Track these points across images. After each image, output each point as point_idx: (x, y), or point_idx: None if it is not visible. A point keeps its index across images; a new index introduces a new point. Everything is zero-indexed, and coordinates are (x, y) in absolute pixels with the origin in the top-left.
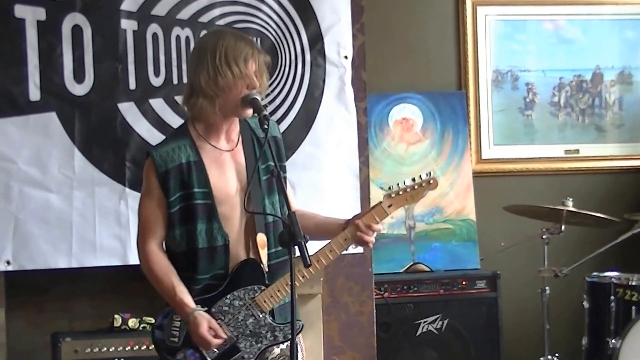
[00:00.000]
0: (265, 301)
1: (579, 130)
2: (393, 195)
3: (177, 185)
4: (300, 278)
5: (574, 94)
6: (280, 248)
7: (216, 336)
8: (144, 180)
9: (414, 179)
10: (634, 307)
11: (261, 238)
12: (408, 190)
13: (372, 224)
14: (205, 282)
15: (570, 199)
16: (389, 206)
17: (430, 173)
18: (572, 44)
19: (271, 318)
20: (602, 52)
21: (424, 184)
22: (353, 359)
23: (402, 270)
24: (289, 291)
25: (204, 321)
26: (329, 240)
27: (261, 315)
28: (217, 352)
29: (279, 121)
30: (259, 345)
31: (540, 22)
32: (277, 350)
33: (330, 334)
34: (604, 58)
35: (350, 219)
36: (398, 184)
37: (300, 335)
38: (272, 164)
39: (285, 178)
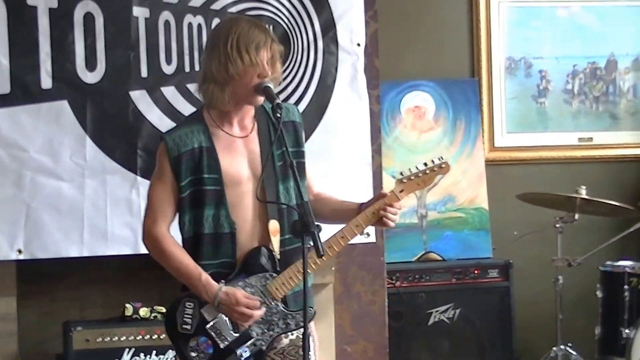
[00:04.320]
0: (277, 288)
1: (593, 117)
2: (404, 181)
3: (188, 169)
4: (312, 265)
5: (588, 81)
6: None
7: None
8: (157, 163)
9: (425, 164)
10: None
11: (273, 225)
12: (420, 175)
13: (393, 202)
14: (212, 270)
15: (584, 187)
16: (401, 191)
17: (442, 157)
18: (587, 30)
19: (283, 305)
20: (617, 39)
21: (435, 169)
22: (365, 349)
23: (414, 259)
24: (301, 278)
25: (238, 292)
26: (342, 225)
27: (273, 303)
28: (229, 340)
29: None
30: (271, 332)
31: (554, 9)
32: (286, 341)
33: (342, 324)
34: (619, 45)
35: (363, 204)
36: (410, 169)
37: (313, 324)
38: (287, 150)
39: (303, 163)
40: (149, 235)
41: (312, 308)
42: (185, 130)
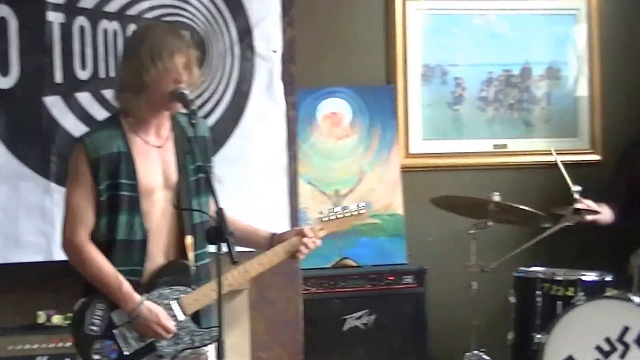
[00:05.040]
0: (189, 304)
1: (507, 125)
2: (324, 220)
3: (106, 173)
4: (227, 286)
5: (503, 88)
6: (204, 250)
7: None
8: (72, 167)
9: (346, 207)
10: (559, 302)
11: (189, 240)
12: (339, 217)
13: (315, 239)
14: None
15: (497, 194)
16: (320, 229)
17: (361, 204)
18: (501, 38)
19: (193, 323)
20: (531, 47)
21: (354, 213)
22: (279, 355)
23: (329, 265)
24: (214, 298)
25: (161, 312)
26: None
27: (183, 318)
28: (134, 347)
29: (207, 115)
30: (177, 347)
31: (470, 17)
32: (188, 349)
33: (256, 330)
34: (533, 53)
35: (275, 234)
36: (330, 210)
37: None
38: (201, 164)
39: (209, 179)
40: (69, 243)
41: (217, 327)
42: (104, 133)
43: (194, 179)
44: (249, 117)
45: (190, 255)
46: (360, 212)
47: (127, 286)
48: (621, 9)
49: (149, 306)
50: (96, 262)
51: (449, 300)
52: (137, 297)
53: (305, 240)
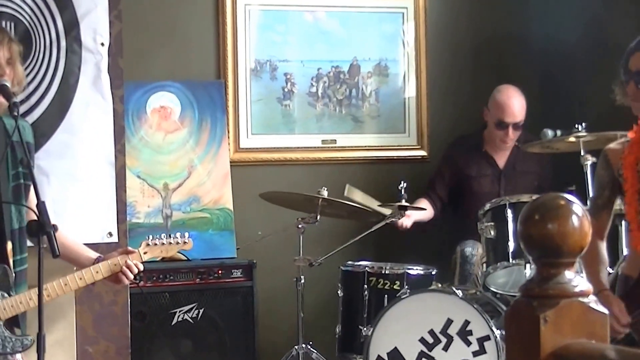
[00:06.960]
0: (4, 309)
1: (337, 120)
2: (150, 244)
3: None
4: (46, 297)
5: (332, 84)
6: (24, 255)
7: None
8: None
9: (173, 236)
10: (385, 296)
11: (9, 245)
12: (164, 243)
13: (136, 260)
14: None
15: (325, 189)
16: (145, 253)
17: (187, 236)
18: (331, 35)
19: (5, 328)
20: (360, 44)
21: (179, 242)
22: (107, 349)
23: (158, 259)
24: (31, 306)
25: None
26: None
27: None
28: None
29: (32, 108)
30: None
31: (300, 13)
32: (18, 357)
33: (83, 325)
34: (362, 50)
35: (100, 256)
36: (159, 236)
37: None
38: (21, 170)
39: (29, 186)
40: None
41: (28, 336)
42: None
43: (14, 184)
44: (75, 110)
45: (10, 261)
46: (185, 242)
47: None
48: (446, 10)
49: None
50: None
51: (278, 294)
52: None
53: (128, 261)
